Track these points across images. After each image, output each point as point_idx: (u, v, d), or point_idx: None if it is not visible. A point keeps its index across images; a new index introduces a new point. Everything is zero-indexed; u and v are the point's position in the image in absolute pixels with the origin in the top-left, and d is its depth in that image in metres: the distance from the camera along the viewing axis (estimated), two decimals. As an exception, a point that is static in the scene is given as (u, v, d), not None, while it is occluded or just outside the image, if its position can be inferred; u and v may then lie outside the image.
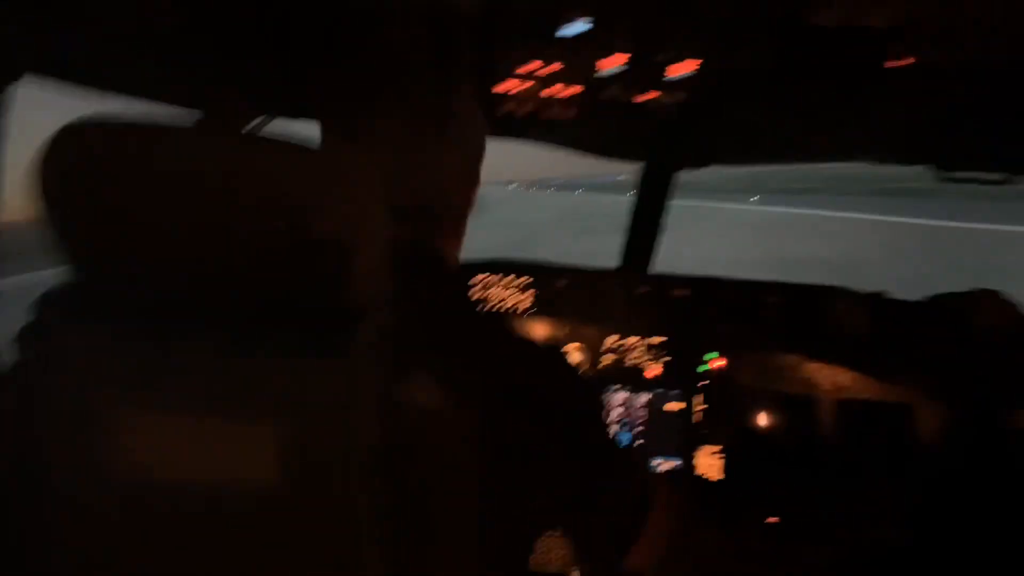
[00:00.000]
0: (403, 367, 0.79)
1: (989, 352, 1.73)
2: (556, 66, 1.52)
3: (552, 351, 1.07)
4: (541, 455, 0.95)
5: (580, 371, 1.06)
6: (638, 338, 2.45)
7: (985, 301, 1.69)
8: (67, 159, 0.72)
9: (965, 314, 1.77)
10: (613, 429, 2.39)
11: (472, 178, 1.16)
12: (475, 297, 2.33)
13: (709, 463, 2.38)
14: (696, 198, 37.29)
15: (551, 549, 1.99)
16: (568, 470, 0.98)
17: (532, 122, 1.75)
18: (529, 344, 1.05)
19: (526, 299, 2.37)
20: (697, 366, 2.43)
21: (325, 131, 1.08)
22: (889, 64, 1.43)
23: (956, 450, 1.62)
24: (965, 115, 1.61)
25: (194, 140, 0.72)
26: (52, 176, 0.72)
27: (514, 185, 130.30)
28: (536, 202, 52.97)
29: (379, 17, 1.10)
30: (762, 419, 2.40)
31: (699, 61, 1.42)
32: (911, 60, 1.41)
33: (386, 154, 1.05)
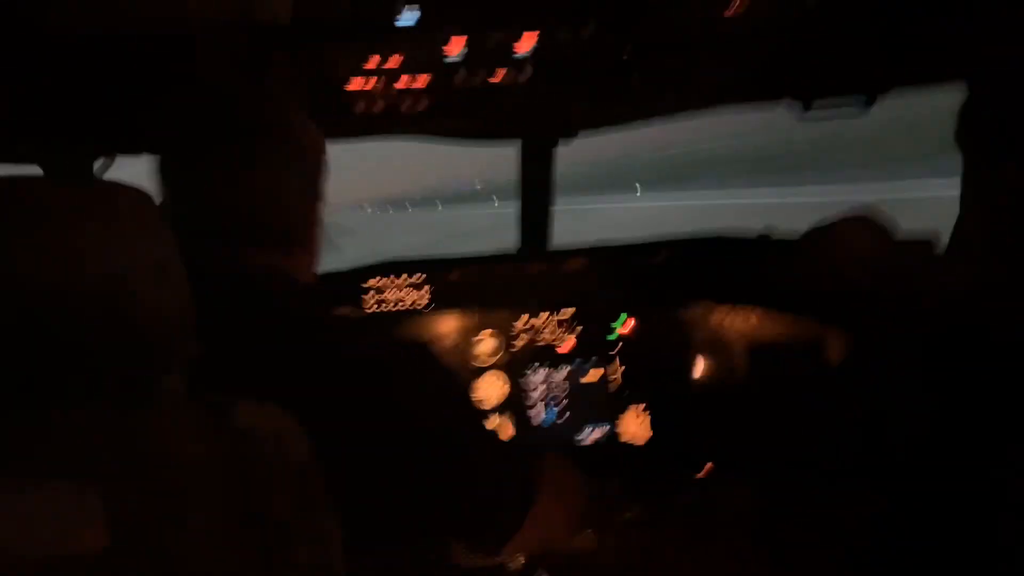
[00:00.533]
0: (233, 397, 0.77)
1: (858, 280, 1.77)
2: (399, 58, 1.49)
3: (413, 348, 1.05)
4: (398, 460, 0.95)
5: (441, 364, 1.05)
6: (547, 314, 2.46)
7: (844, 230, 1.72)
8: None
9: (829, 247, 1.80)
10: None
11: (314, 192, 1.13)
12: (354, 306, 2.30)
13: (633, 428, 2.42)
14: (577, 199, 34.94)
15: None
16: (431, 470, 0.97)
17: (393, 117, 1.71)
18: (389, 346, 1.03)
19: (423, 296, 2.35)
20: (609, 332, 2.45)
21: (157, 164, 1.04)
22: (728, 14, 1.45)
23: (857, 379, 1.67)
24: (813, 49, 1.64)
25: None
26: None
27: (369, 209, 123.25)
28: (402, 224, 51.02)
29: (185, 44, 1.06)
30: (680, 372, 2.44)
31: (536, 34, 1.41)
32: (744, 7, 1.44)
33: (215, 178, 1.02)
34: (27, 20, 0.92)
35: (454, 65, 1.53)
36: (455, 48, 1.48)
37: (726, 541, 1.97)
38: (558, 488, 1.18)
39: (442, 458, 0.99)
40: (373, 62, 1.47)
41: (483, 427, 1.09)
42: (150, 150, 1.07)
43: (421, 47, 1.45)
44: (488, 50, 1.50)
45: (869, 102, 1.84)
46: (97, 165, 1.71)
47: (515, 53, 1.49)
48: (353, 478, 0.89)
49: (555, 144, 2.28)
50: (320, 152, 1.14)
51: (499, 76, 1.57)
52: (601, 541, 1.90)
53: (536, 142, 2.24)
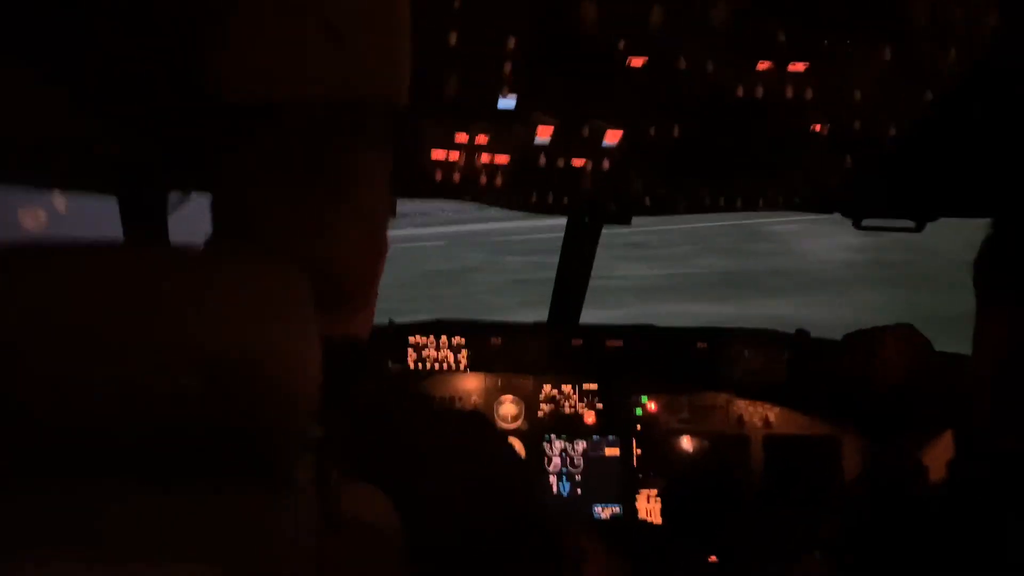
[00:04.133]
0: (339, 482, 0.77)
1: (896, 386, 1.82)
2: (487, 136, 1.54)
3: (470, 419, 1.07)
4: (470, 534, 0.95)
5: (498, 434, 1.07)
6: (572, 387, 2.49)
7: (890, 337, 1.78)
8: None
9: (874, 351, 1.86)
10: (542, 482, 2.41)
11: (380, 245, 1.09)
12: (401, 367, 2.32)
13: (649, 507, 2.42)
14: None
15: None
16: (492, 542, 0.98)
17: (468, 185, 1.76)
18: (447, 420, 1.04)
19: (461, 358, 2.38)
20: (631, 411, 2.48)
21: (225, 211, 0.99)
22: (816, 128, 1.52)
23: (875, 481, 1.69)
24: (873, 169, 1.72)
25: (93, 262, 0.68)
26: None
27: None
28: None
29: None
30: (697, 459, 2.46)
31: (622, 131, 1.48)
32: (830, 126, 1.51)
33: (295, 233, 1.00)
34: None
35: (540, 147, 1.59)
36: (544, 134, 1.53)
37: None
38: (590, 562, 1.19)
39: (519, 524, 1.00)
40: (463, 136, 1.53)
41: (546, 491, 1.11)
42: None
43: (511, 130, 1.50)
44: (569, 139, 1.56)
45: (919, 227, 1.91)
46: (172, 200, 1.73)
47: (603, 143, 1.55)
48: (434, 545, 0.88)
49: (603, 223, 2.34)
50: (391, 203, 1.13)
51: (582, 162, 1.63)
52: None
53: (585, 218, 2.30)
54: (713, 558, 2.35)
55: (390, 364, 2.25)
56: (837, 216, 2.01)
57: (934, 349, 1.94)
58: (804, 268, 15.38)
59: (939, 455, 1.53)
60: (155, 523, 0.68)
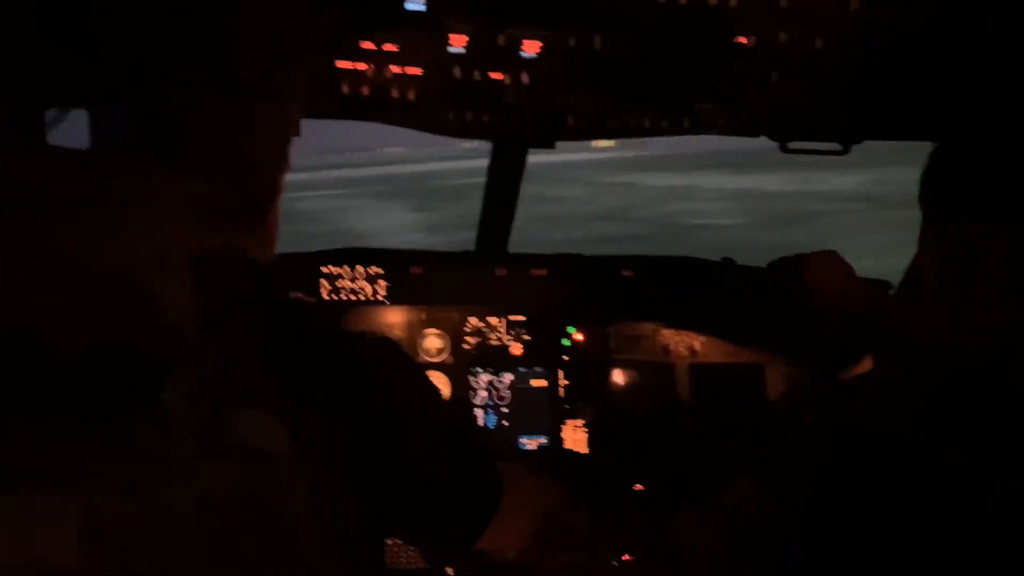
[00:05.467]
0: (231, 410, 0.70)
1: (820, 311, 1.82)
2: (397, 46, 1.42)
3: (382, 347, 1.01)
4: (380, 462, 0.91)
5: (412, 365, 1.02)
6: (498, 319, 2.43)
7: (813, 263, 1.77)
8: None
9: (798, 276, 1.85)
10: (468, 413, 2.37)
11: (281, 159, 1.00)
12: (312, 295, 2.22)
13: (575, 437, 2.42)
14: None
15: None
16: (409, 470, 0.95)
17: (380, 101, 1.64)
18: (359, 347, 0.98)
19: (380, 289, 2.28)
20: (558, 342, 2.44)
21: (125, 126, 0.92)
22: (741, 40, 1.45)
23: (802, 409, 1.69)
24: (803, 91, 1.68)
25: None
26: None
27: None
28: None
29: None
30: (623, 388, 2.46)
31: (541, 43, 1.38)
32: (749, 40, 1.44)
33: (214, 134, 0.91)
34: None
35: (455, 57, 1.48)
36: (459, 42, 1.42)
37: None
38: (516, 492, 1.16)
39: (417, 451, 0.96)
40: (372, 44, 1.40)
41: (455, 420, 1.08)
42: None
43: (422, 38, 1.39)
44: (487, 50, 1.45)
45: (844, 149, 1.89)
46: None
47: (521, 53, 1.45)
48: (328, 470, 0.84)
49: (527, 148, 2.25)
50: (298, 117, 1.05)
51: (500, 75, 1.53)
52: (550, 555, 1.89)
53: (510, 144, 2.21)
54: (639, 486, 2.37)
55: (303, 296, 2.13)
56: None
57: (856, 275, 1.94)
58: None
59: (864, 379, 1.55)
60: (13, 452, 0.62)
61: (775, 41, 1.41)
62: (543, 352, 2.44)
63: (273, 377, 0.83)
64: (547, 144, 1.97)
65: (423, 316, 2.38)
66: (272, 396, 0.79)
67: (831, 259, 1.76)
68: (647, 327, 2.46)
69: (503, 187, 2.39)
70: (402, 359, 1.04)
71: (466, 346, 2.41)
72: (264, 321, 0.89)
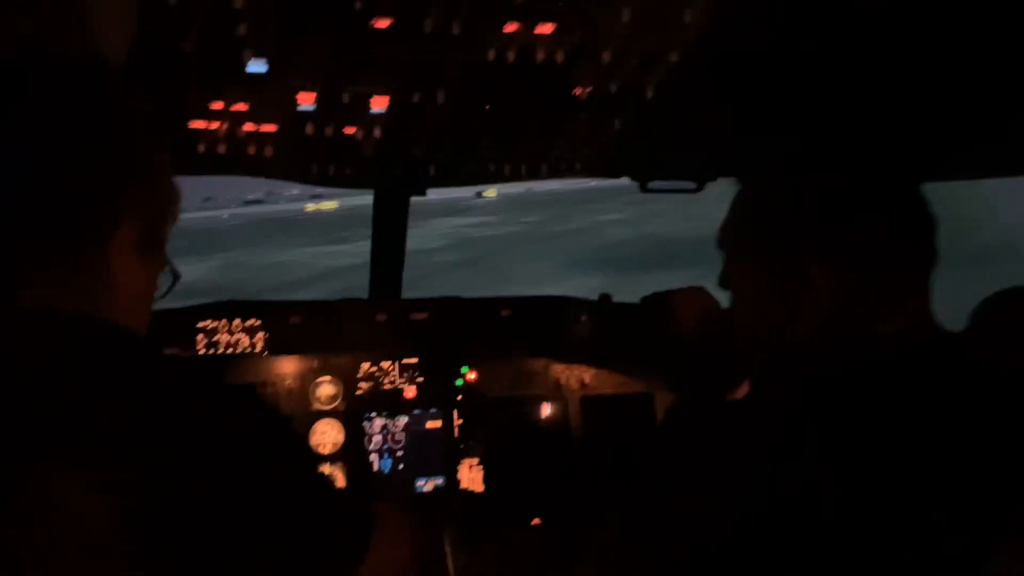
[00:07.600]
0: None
1: (692, 343, 1.90)
2: (247, 104, 1.46)
3: (239, 397, 1.02)
4: (231, 506, 0.92)
5: (273, 409, 1.04)
6: (391, 362, 2.45)
7: (681, 298, 1.86)
8: None
9: (669, 311, 1.94)
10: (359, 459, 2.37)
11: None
12: (195, 347, 2.20)
13: (471, 476, 2.44)
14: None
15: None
16: (270, 520, 0.95)
17: (237, 157, 1.67)
18: (217, 389, 1.00)
19: (258, 341, 2.27)
20: (451, 383, 2.47)
21: None
22: (576, 92, 1.54)
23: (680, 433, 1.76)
24: (658, 134, 1.78)
25: None
26: None
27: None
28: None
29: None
30: (518, 424, 2.50)
31: (388, 98, 1.44)
32: (590, 89, 1.53)
33: None
34: None
35: (306, 114, 1.52)
36: (307, 100, 1.47)
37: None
38: (392, 534, 1.17)
39: (277, 500, 0.97)
40: (218, 105, 1.44)
41: (316, 471, 1.08)
42: None
43: (270, 96, 1.43)
44: (342, 104, 1.50)
45: (699, 187, 2.00)
46: None
47: (372, 110, 1.50)
48: (190, 526, 0.84)
49: (409, 195, 2.30)
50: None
51: (353, 130, 1.58)
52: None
53: (390, 192, 2.25)
54: (537, 520, 2.40)
55: (177, 351, 2.11)
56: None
57: (722, 308, 2.04)
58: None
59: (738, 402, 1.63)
60: None
61: (607, 92, 1.50)
62: (437, 393, 2.46)
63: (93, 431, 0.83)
64: (419, 192, 2.02)
65: (315, 364, 2.38)
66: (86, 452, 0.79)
67: (697, 294, 1.85)
68: (539, 363, 2.51)
69: (388, 233, 2.43)
70: (265, 407, 1.05)
71: (359, 391, 2.42)
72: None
